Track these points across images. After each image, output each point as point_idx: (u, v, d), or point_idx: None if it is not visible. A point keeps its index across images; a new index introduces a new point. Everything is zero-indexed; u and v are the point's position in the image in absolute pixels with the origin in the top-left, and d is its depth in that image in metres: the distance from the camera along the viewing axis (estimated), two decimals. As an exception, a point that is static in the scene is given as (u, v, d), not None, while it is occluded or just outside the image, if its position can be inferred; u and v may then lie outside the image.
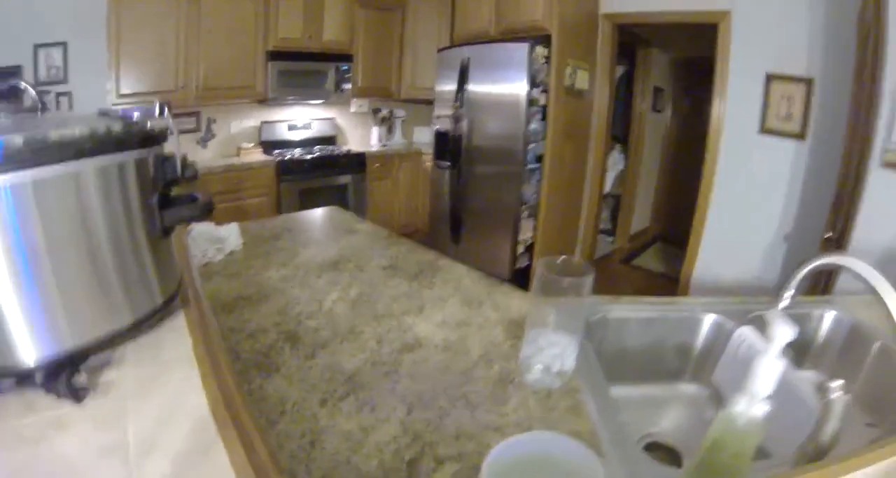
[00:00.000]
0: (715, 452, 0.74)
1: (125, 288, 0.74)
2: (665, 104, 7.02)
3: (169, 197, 0.81)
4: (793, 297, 1.08)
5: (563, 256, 1.03)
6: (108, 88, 4.29)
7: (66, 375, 0.65)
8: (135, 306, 0.77)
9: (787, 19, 3.86)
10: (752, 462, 0.75)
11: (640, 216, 7.01)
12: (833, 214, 3.24)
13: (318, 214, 2.29)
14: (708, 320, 1.43)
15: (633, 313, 1.41)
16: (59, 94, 4.32)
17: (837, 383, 0.77)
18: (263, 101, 5.19)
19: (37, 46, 4.19)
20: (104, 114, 0.82)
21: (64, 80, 4.31)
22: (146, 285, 0.79)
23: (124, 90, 4.31)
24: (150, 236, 0.79)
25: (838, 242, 2.89)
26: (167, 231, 0.81)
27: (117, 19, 4.18)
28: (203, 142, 5.10)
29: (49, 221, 0.65)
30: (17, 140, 0.61)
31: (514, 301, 1.36)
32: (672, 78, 7.03)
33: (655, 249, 6.88)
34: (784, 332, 0.70)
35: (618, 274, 5.80)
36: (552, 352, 0.98)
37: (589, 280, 0.99)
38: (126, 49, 4.26)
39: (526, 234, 4.67)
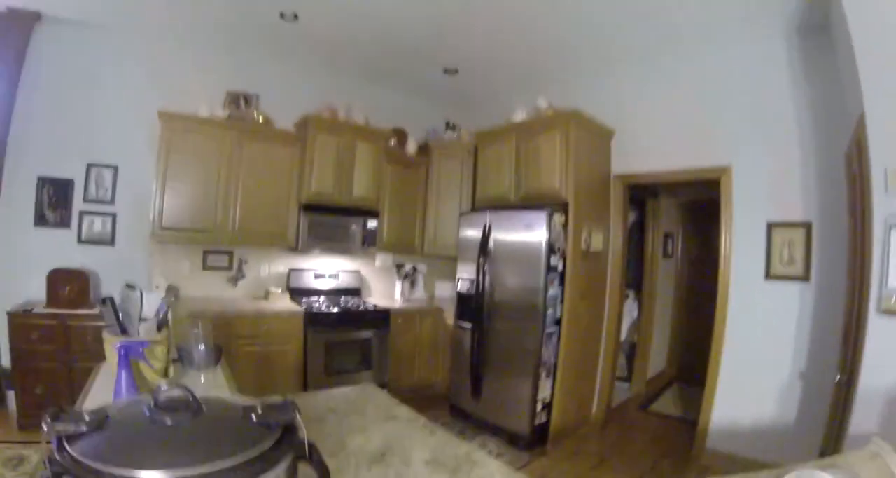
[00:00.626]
0: None
1: None
2: (675, 248, 7.29)
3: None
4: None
5: None
6: (150, 218, 4.60)
7: None
8: None
9: (783, 169, 4.21)
10: None
11: (656, 360, 7.07)
12: (843, 355, 3.37)
13: (356, 393, 2.41)
14: None
15: None
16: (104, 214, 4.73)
17: None
18: (293, 249, 5.39)
19: (90, 165, 4.60)
20: (252, 412, 0.96)
21: (111, 201, 4.77)
22: None
23: (166, 223, 4.63)
24: None
25: (848, 384, 2.94)
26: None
27: (167, 153, 4.58)
28: (234, 281, 5.35)
29: None
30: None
31: None
32: (680, 222, 7.37)
33: (672, 391, 6.90)
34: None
35: (635, 421, 5.77)
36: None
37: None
38: (171, 183, 4.62)
39: (545, 392, 4.73)
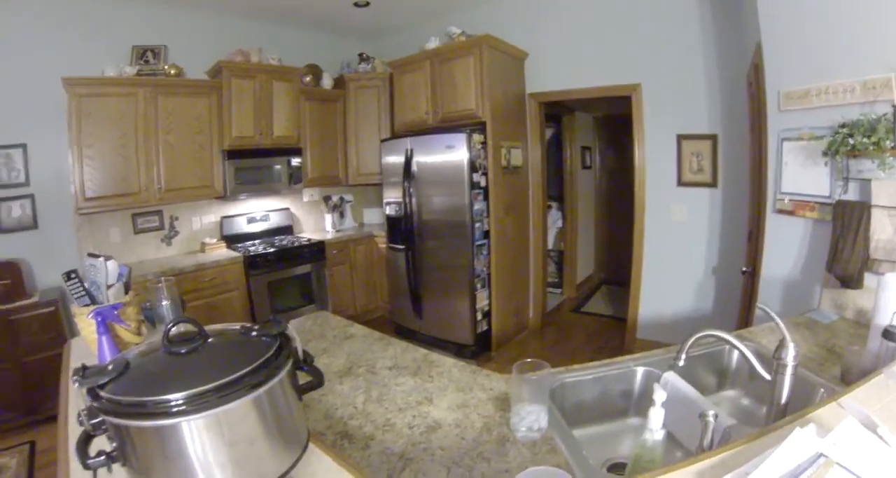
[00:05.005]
0: (637, 462, 1.22)
1: (284, 443, 1.05)
2: (592, 160, 7.53)
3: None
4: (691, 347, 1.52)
5: (530, 360, 1.46)
6: (72, 192, 4.37)
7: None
8: (291, 453, 1.06)
9: (689, 86, 4.43)
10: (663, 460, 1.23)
11: (584, 265, 7.41)
12: (748, 250, 3.75)
13: (311, 321, 2.58)
14: (640, 371, 1.85)
15: (583, 376, 1.80)
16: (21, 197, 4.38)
17: (711, 413, 1.23)
18: (221, 197, 5.37)
19: None
20: (250, 330, 1.12)
21: (26, 183, 4.41)
22: (296, 436, 1.09)
23: (90, 194, 4.40)
24: (294, 404, 1.10)
25: (752, 274, 3.33)
26: (301, 396, 1.15)
27: (78, 120, 4.29)
28: (167, 239, 5.26)
29: (231, 424, 0.93)
30: (209, 392, 0.89)
31: (494, 382, 1.75)
32: (596, 135, 7.58)
33: (602, 292, 7.29)
34: (660, 395, 1.18)
35: (569, 323, 6.11)
36: (530, 417, 1.40)
37: (546, 370, 1.44)
38: (88, 152, 4.36)
39: (482, 302, 4.98)
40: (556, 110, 6.52)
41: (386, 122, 6.17)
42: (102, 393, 0.91)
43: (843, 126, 2.33)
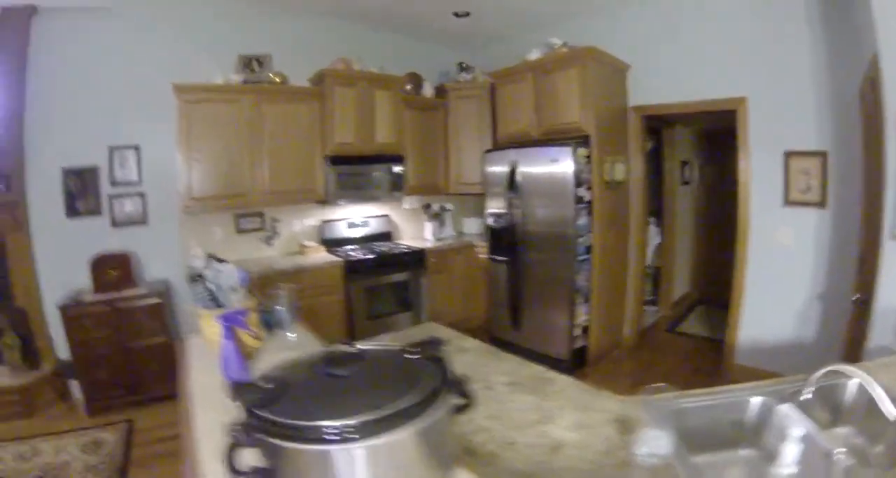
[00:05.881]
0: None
1: (439, 466, 1.04)
2: (692, 175, 7.33)
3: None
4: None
5: (655, 385, 1.45)
6: (180, 191, 4.65)
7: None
8: (442, 474, 1.05)
9: (797, 100, 4.23)
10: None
11: (681, 283, 7.25)
12: (859, 276, 3.53)
13: (418, 332, 2.61)
14: (755, 401, 1.77)
15: (698, 402, 1.76)
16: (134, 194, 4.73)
17: (839, 450, 1.18)
18: (322, 201, 5.50)
19: (111, 148, 4.60)
20: (406, 352, 1.14)
21: (138, 181, 4.76)
22: (447, 458, 1.08)
23: (196, 194, 4.67)
24: (450, 429, 1.10)
25: (865, 303, 3.07)
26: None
27: (187, 124, 4.57)
28: (268, 240, 5.45)
29: (392, 451, 0.93)
30: (377, 421, 0.89)
31: (611, 404, 1.72)
32: (697, 149, 7.39)
33: (698, 312, 7.08)
34: (797, 430, 1.15)
35: (664, 342, 5.98)
36: (653, 442, 1.40)
37: (670, 394, 1.43)
38: (196, 154, 4.62)
39: (580, 317, 4.94)
40: (656, 123, 6.38)
41: (487, 131, 6.17)
42: (261, 412, 0.93)
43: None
